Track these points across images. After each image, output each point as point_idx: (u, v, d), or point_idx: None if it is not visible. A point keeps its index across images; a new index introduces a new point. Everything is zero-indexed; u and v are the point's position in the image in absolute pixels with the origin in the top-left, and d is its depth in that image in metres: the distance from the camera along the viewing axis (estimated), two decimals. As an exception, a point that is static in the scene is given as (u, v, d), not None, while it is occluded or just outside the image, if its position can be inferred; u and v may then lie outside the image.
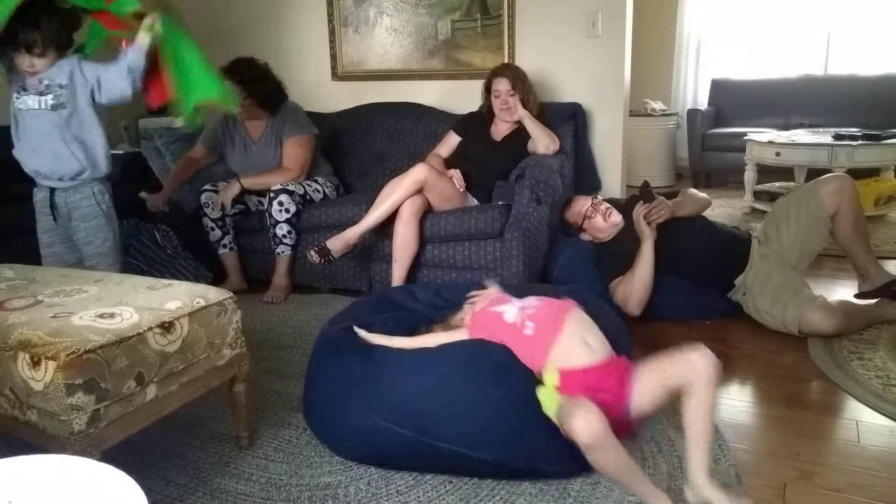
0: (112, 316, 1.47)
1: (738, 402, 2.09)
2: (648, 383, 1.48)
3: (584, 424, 1.32)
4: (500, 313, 1.69)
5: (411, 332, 1.85)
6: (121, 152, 3.71)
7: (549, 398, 1.50)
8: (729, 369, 2.31)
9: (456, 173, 3.03)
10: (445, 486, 1.61)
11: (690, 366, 1.42)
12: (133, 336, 1.42)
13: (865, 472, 1.66)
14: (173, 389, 1.55)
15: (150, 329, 1.46)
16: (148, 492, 1.58)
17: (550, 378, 1.53)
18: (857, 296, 2.69)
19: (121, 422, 1.42)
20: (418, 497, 1.57)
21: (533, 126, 3.04)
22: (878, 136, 4.44)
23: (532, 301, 1.71)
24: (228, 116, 3.34)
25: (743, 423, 1.93)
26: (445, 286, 2.28)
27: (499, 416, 1.56)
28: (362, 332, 1.81)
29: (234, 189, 3.17)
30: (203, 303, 1.62)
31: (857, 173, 3.44)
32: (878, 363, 2.24)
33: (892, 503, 1.53)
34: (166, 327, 1.50)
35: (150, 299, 1.58)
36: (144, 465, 1.72)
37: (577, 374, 1.50)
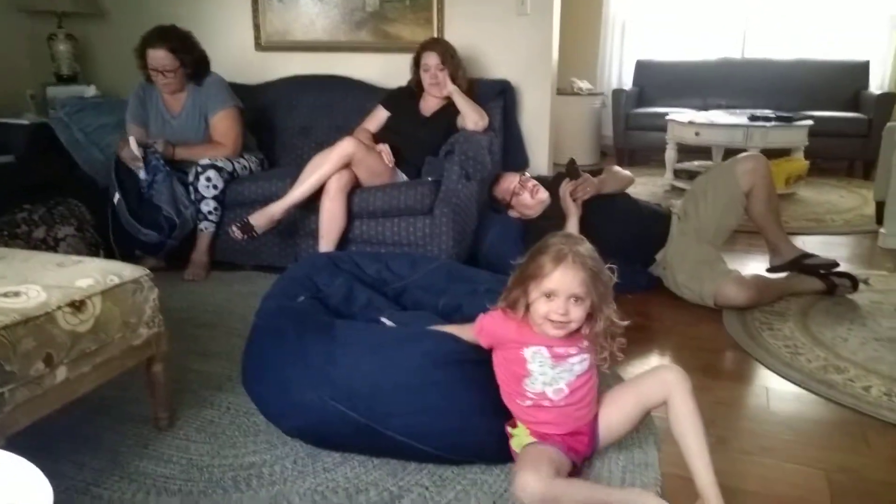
0: (17, 294, 1.38)
1: (657, 372, 2.17)
2: (623, 407, 1.51)
3: (526, 486, 1.32)
4: (525, 372, 1.48)
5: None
6: (26, 122, 3.48)
7: (520, 435, 1.52)
8: (649, 341, 2.40)
9: (384, 148, 3.00)
10: (373, 462, 1.60)
11: (664, 383, 1.45)
12: (40, 316, 1.34)
13: (774, 435, 1.76)
14: (86, 371, 1.48)
15: (59, 308, 1.39)
16: (60, 477, 1.53)
17: (524, 431, 1.52)
18: (768, 270, 2.83)
19: (28, 406, 1.34)
20: (345, 473, 1.57)
21: (462, 102, 3.03)
22: (790, 118, 4.66)
23: (564, 387, 1.47)
24: (147, 85, 3.19)
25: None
26: (393, 257, 2.24)
27: (453, 412, 1.53)
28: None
29: (161, 145, 3.03)
30: (117, 280, 1.55)
31: (770, 153, 3.60)
32: (787, 333, 2.37)
33: (799, 463, 1.62)
34: (77, 306, 1.43)
35: (58, 277, 1.50)
36: (56, 450, 1.65)
37: (554, 437, 1.48)
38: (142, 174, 2.97)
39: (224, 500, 1.49)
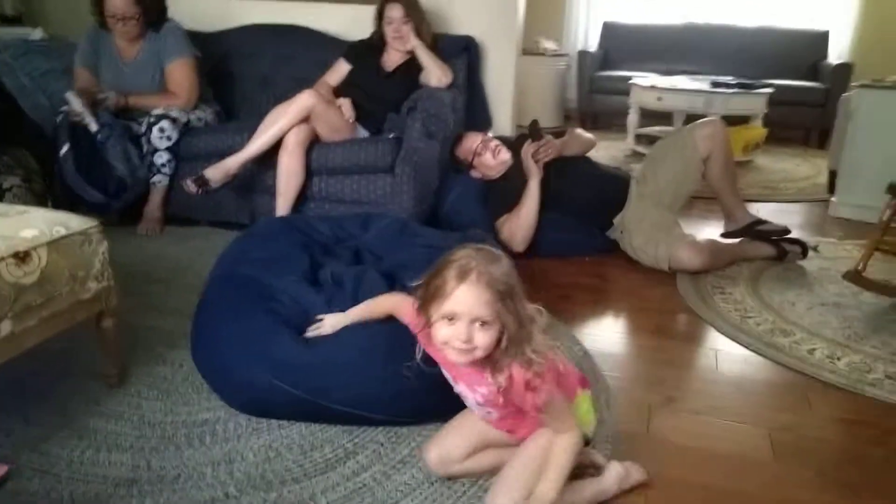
0: (-44, 244, 1.33)
1: (610, 332, 2.21)
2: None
3: (427, 460, 1.42)
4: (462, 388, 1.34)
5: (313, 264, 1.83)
6: (-33, 66, 3.30)
7: None
8: (604, 303, 2.44)
9: (345, 102, 2.94)
10: (329, 419, 1.61)
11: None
12: (-19, 267, 1.30)
13: (722, 395, 1.81)
14: (32, 325, 1.44)
15: (2, 259, 1.34)
16: (8, 433, 1.50)
17: None
18: (722, 235, 2.89)
19: (-30, 359, 1.31)
20: (300, 430, 1.57)
21: (426, 57, 2.98)
22: (751, 85, 4.71)
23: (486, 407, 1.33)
24: (99, 30, 3.05)
25: (614, 353, 2.05)
26: (346, 217, 2.22)
27: (394, 379, 1.45)
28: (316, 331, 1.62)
29: (112, 100, 2.92)
30: (63, 231, 1.49)
31: (730, 120, 3.64)
32: (738, 297, 2.43)
33: (744, 422, 1.68)
34: (21, 258, 1.38)
35: (2, 227, 1.44)
36: (3, 406, 1.61)
37: None
38: (93, 126, 2.85)
39: (176, 456, 1.47)
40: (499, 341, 1.18)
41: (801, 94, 5.34)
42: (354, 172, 2.80)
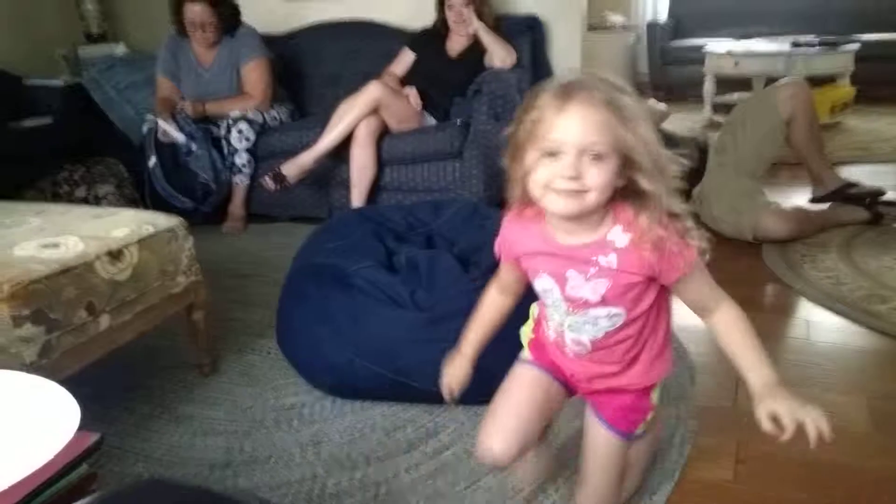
0: (56, 246, 1.42)
1: (694, 307, 2.15)
2: None
3: (486, 454, 1.11)
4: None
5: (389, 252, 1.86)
6: (60, 84, 3.51)
7: (525, 334, 1.22)
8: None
9: (412, 91, 2.96)
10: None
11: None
12: (79, 265, 1.38)
13: (816, 365, 1.73)
14: (128, 319, 1.52)
15: (97, 258, 1.43)
16: (112, 421, 1.60)
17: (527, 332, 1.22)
18: (811, 201, 2.75)
19: (74, 352, 1.40)
20: (383, 412, 1.60)
21: (489, 39, 2.97)
22: (835, 42, 4.44)
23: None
24: (177, 38, 3.19)
25: (699, 328, 1.98)
26: (417, 205, 2.24)
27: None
28: None
29: (189, 111, 3.05)
30: (152, 229, 1.58)
31: (815, 81, 3.45)
32: (830, 265, 2.31)
33: (841, 392, 1.60)
34: (115, 255, 1.46)
35: (95, 228, 1.54)
36: (106, 397, 1.71)
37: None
38: (180, 137, 2.99)
39: (267, 438, 1.53)
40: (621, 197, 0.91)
41: (890, 49, 4.99)
42: (424, 160, 2.82)
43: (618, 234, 0.94)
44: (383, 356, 1.57)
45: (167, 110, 3.05)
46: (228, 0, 3.17)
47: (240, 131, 3.01)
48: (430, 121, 3.00)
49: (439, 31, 3.14)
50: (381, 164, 2.85)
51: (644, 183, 0.89)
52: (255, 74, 3.17)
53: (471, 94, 2.89)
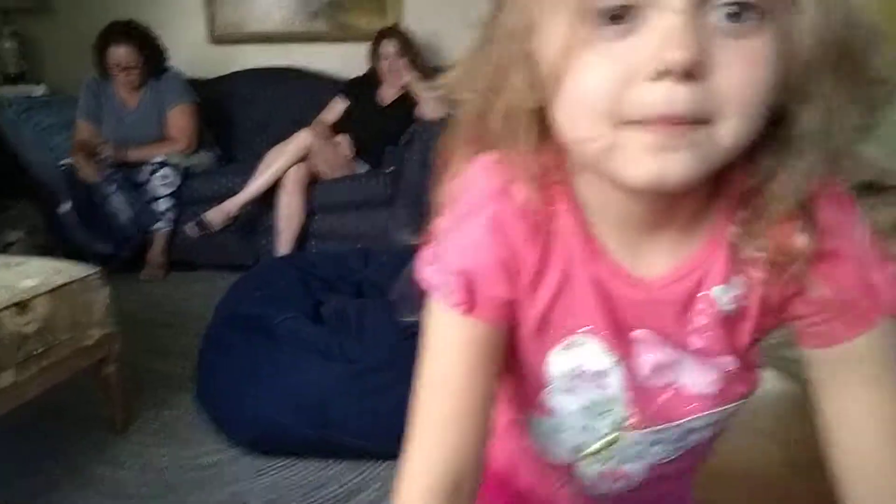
0: (-43, 297, 1.38)
1: None
2: None
3: None
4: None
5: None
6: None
7: None
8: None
9: (343, 139, 3.01)
10: (333, 456, 1.62)
11: None
12: (-17, 317, 1.34)
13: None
14: (34, 373, 1.47)
15: (3, 309, 1.38)
16: (15, 483, 1.52)
17: None
18: None
19: (-27, 410, 1.34)
20: (305, 468, 1.58)
21: (421, 90, 3.05)
22: None
23: None
24: (100, 80, 3.16)
25: None
26: (348, 253, 2.25)
27: (399, 409, 1.49)
28: None
29: (111, 156, 3.00)
30: (63, 279, 1.54)
31: None
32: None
33: (755, 435, 1.67)
34: (22, 306, 1.42)
35: (3, 277, 1.49)
36: (10, 455, 1.64)
37: None
38: (95, 178, 2.94)
39: (180, 503, 1.49)
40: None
41: None
42: (354, 208, 2.85)
43: (743, 238, 0.48)
44: (309, 410, 1.56)
45: (85, 153, 3.00)
46: (154, 43, 3.17)
47: (163, 176, 2.98)
48: (362, 168, 3.04)
49: (372, 79, 3.22)
50: (310, 211, 2.87)
51: (813, 118, 0.41)
52: (180, 119, 3.16)
53: (403, 143, 2.96)
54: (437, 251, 0.52)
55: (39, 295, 1.47)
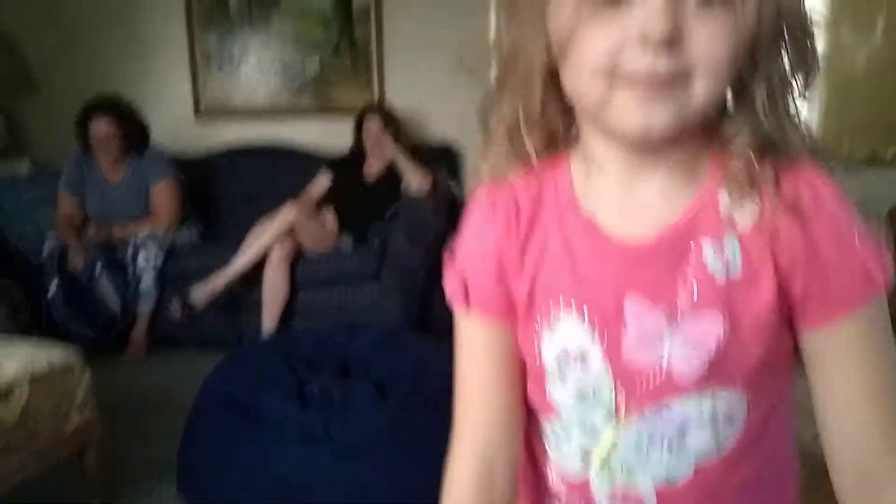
0: (-63, 386, 1.38)
1: None
2: None
3: None
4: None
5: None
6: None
7: None
8: None
9: (328, 214, 3.06)
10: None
11: None
12: (-37, 408, 1.34)
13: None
14: (13, 463, 1.46)
15: (-17, 399, 1.39)
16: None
17: None
18: None
19: (-51, 505, 1.32)
20: (292, 557, 1.56)
21: (405, 164, 3.13)
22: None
23: None
24: (82, 155, 3.21)
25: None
26: (332, 330, 2.26)
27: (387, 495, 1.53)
28: None
29: (94, 236, 3.03)
30: (45, 365, 1.55)
31: None
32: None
33: None
34: (3, 395, 1.42)
35: (-17, 365, 1.50)
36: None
37: None
38: (80, 264, 2.97)
39: None
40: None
41: None
42: (340, 283, 2.88)
43: (732, 199, 0.53)
44: (294, 499, 1.55)
45: (69, 230, 3.03)
46: (136, 118, 3.24)
47: (147, 254, 3.01)
48: (347, 243, 3.08)
49: (357, 154, 3.30)
50: (295, 286, 2.89)
51: (760, 86, 0.51)
52: (163, 196, 3.21)
53: (388, 218, 3.01)
54: (450, 261, 0.62)
55: (21, 382, 1.47)
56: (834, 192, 0.51)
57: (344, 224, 3.09)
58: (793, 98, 0.52)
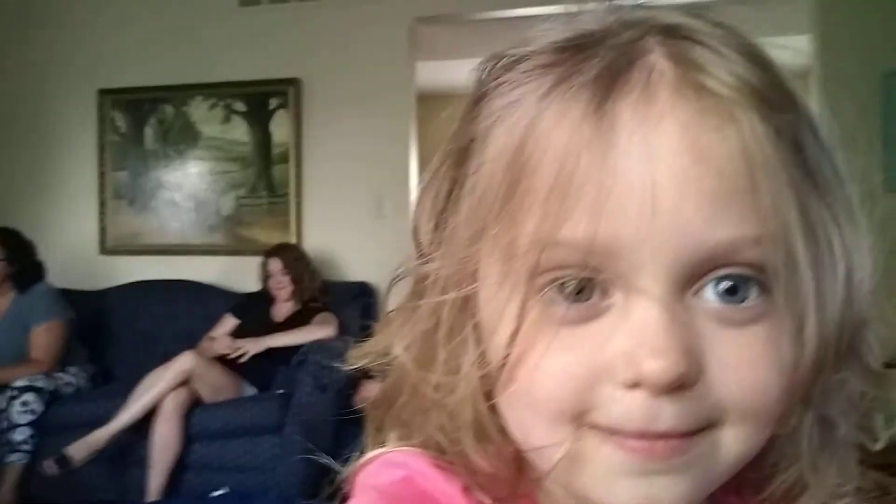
0: None
1: None
2: None
3: None
4: None
5: None
6: None
7: None
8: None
9: (226, 341, 2.96)
10: None
11: None
12: None
13: None
14: None
15: None
16: None
17: None
18: None
19: None
20: None
21: (291, 336, 3.04)
22: None
23: None
24: None
25: None
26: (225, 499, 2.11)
27: None
28: None
29: None
30: None
31: None
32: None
33: None
34: None
35: None
36: None
37: None
38: None
39: None
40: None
41: None
42: (239, 435, 2.73)
43: None
44: None
45: None
46: (27, 254, 3.14)
47: (24, 403, 2.81)
48: (249, 391, 2.96)
49: (265, 296, 3.24)
50: (188, 438, 2.72)
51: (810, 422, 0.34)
52: (45, 338, 3.05)
53: (295, 364, 2.91)
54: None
55: None
56: None
57: (248, 369, 2.97)
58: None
